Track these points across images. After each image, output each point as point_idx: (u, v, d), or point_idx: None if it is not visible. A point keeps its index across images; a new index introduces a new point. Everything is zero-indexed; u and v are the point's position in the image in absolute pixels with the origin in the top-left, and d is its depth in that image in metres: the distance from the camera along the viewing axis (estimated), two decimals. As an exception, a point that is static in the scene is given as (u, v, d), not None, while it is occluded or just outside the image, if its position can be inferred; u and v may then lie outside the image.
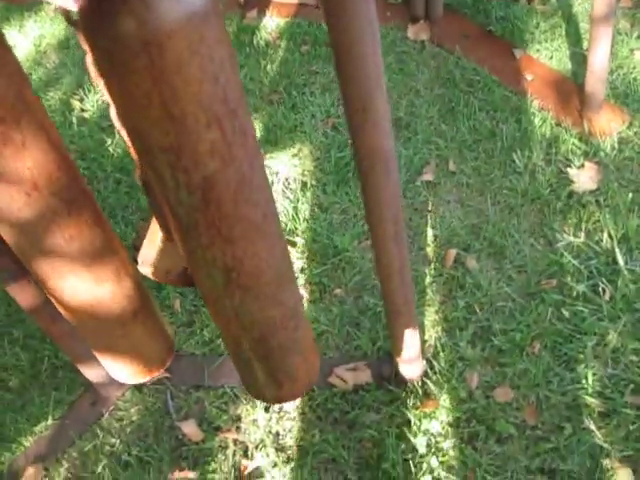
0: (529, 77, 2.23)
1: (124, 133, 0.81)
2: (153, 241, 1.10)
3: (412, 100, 2.26)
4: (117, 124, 0.90)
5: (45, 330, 1.48)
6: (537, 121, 2.06)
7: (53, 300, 1.01)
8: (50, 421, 1.69)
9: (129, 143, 0.85)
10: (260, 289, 0.81)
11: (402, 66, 2.40)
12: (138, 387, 1.70)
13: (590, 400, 1.50)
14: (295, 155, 2.18)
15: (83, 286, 0.95)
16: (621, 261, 1.68)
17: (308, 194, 2.03)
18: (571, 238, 1.76)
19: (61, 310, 1.02)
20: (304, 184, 2.07)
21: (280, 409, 1.61)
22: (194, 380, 1.70)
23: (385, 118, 1.01)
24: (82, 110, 2.52)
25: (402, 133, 2.15)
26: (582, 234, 1.77)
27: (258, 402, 1.62)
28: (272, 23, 2.73)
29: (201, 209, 0.69)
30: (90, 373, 1.64)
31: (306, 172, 2.10)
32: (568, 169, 1.92)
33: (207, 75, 0.61)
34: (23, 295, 1.38)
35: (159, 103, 0.61)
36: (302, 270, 1.86)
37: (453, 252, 1.80)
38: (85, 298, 0.96)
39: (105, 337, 1.08)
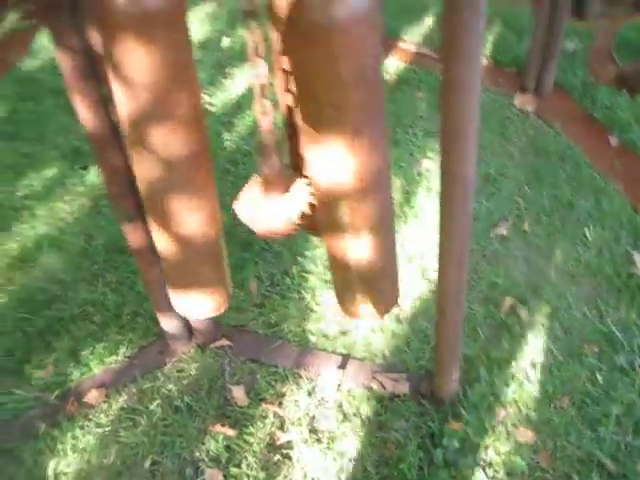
0: (618, 164, 2.37)
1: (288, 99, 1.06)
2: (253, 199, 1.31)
3: (504, 161, 2.43)
4: (281, 97, 1.15)
5: (142, 271, 1.71)
6: (615, 204, 2.20)
7: (161, 236, 1.24)
8: (120, 357, 1.91)
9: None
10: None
11: (503, 130, 2.58)
12: (202, 347, 1.91)
13: (603, 460, 1.61)
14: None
15: (189, 222, 1.19)
16: (662, 345, 1.80)
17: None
18: (622, 314, 1.89)
19: (163, 243, 1.25)
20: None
21: (322, 398, 1.78)
22: (252, 354, 1.89)
23: (473, 152, 1.19)
24: (209, 104, 2.80)
25: (488, 188, 2.32)
26: (633, 313, 1.89)
27: (303, 385, 1.80)
28: (393, 65, 2.96)
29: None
30: (166, 323, 1.85)
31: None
32: (634, 252, 2.04)
33: (370, 52, 0.88)
34: (134, 235, 1.61)
35: (336, 72, 0.90)
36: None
37: (509, 300, 1.95)
38: (186, 232, 1.20)
39: (186, 273, 1.32)
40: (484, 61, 3.03)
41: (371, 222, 1.17)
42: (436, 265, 1.37)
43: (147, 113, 1.05)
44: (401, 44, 3.16)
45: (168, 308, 1.80)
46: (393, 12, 3.30)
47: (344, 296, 1.35)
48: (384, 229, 1.22)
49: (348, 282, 1.30)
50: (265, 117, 1.12)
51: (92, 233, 2.26)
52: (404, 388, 1.79)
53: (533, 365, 1.80)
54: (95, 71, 1.26)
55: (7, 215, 2.36)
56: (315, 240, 2.16)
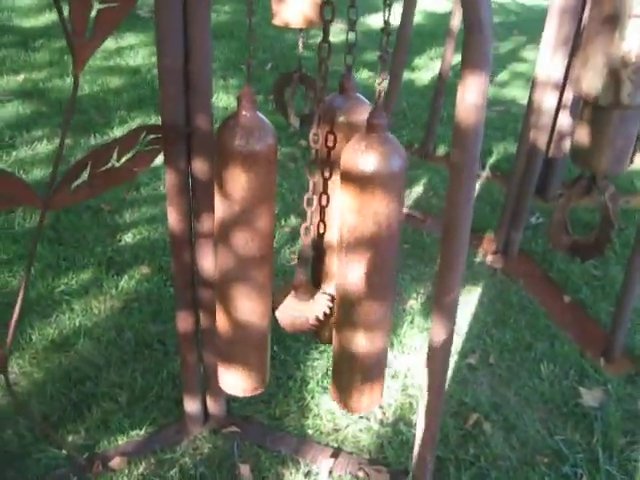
0: (569, 317, 2.85)
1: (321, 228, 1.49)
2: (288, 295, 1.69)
3: (474, 308, 2.89)
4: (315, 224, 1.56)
5: (182, 354, 2.07)
6: (566, 348, 2.65)
7: (224, 318, 1.62)
8: (143, 432, 2.21)
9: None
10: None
11: (474, 281, 3.06)
12: (215, 431, 2.23)
13: None
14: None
15: (248, 311, 1.56)
16: (602, 461, 2.17)
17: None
18: (568, 434, 2.28)
19: (223, 325, 1.62)
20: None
21: (314, 481, 2.10)
22: (258, 440, 2.21)
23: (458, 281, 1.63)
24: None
25: (461, 328, 2.76)
26: (577, 434, 2.28)
27: (300, 468, 2.12)
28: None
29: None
30: (189, 405, 2.18)
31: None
32: (580, 387, 2.46)
33: (397, 198, 1.29)
34: (185, 322, 1.99)
35: (373, 212, 1.29)
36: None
37: (475, 416, 2.33)
38: (244, 319, 1.57)
39: (237, 353, 1.66)
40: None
41: (377, 321, 1.55)
42: (416, 383, 1.77)
43: (235, 220, 1.47)
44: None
45: (196, 391, 2.15)
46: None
47: (342, 389, 1.62)
48: (385, 328, 1.60)
49: (349, 376, 1.64)
50: (307, 237, 1.55)
51: (122, 328, 2.62)
52: (384, 479, 2.12)
53: (493, 467, 2.15)
54: (190, 188, 1.70)
55: (48, 306, 2.72)
56: (315, 353, 2.54)
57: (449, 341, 1.65)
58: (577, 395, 2.45)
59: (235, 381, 1.68)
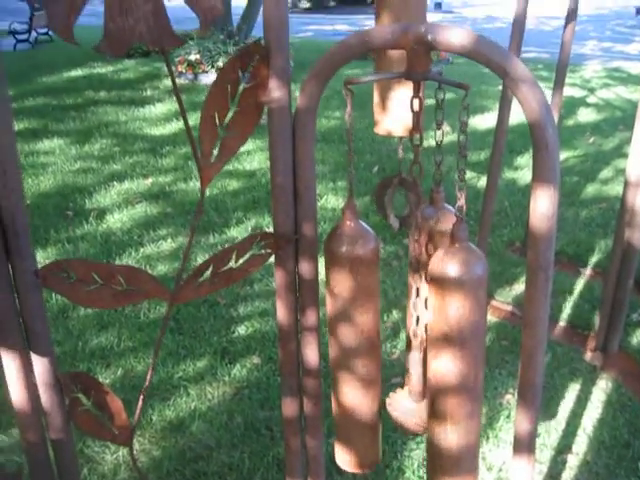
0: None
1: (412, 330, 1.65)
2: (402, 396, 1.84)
3: (573, 405, 2.92)
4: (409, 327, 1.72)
5: (287, 439, 2.24)
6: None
7: (340, 403, 1.79)
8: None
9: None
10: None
11: (573, 377, 3.10)
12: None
13: None
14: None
15: (361, 396, 1.72)
16: None
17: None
18: None
19: (339, 409, 1.78)
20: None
21: None
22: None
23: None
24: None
25: (559, 424, 2.79)
26: None
27: None
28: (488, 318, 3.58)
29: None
30: (292, 486, 2.33)
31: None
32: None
33: (480, 301, 1.44)
34: (290, 407, 2.16)
35: (458, 314, 1.45)
36: None
37: (571, 512, 2.35)
38: (358, 403, 1.73)
39: (352, 433, 1.81)
40: (563, 324, 3.62)
41: (466, 416, 1.67)
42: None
43: (344, 317, 1.65)
44: (494, 302, 3.82)
45: (298, 474, 2.30)
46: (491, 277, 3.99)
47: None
48: (475, 423, 1.73)
49: (441, 469, 1.75)
50: (416, 339, 1.71)
51: (233, 413, 2.83)
52: None
53: None
54: (296, 287, 1.92)
55: (167, 390, 2.98)
56: (412, 444, 2.65)
57: (532, 433, 1.75)
58: (677, 496, 2.44)
59: (348, 458, 1.83)
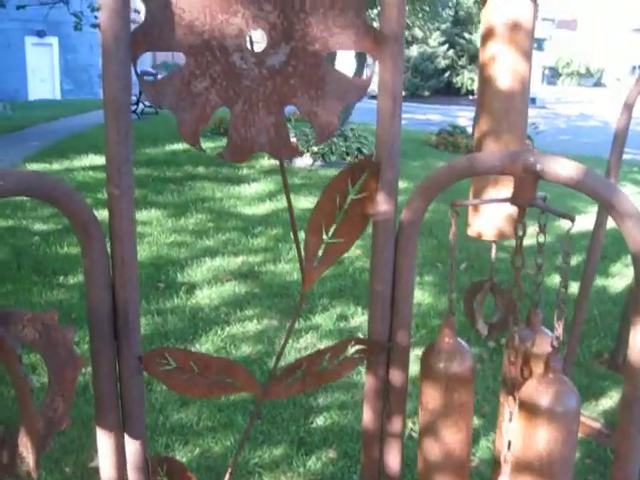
0: None
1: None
2: None
3: None
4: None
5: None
6: None
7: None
8: None
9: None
10: None
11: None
12: None
13: None
14: None
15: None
16: None
17: None
18: None
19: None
20: None
21: None
22: None
23: None
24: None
25: None
26: None
27: None
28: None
29: None
30: None
31: None
32: None
33: (570, 434, 1.42)
34: None
35: (544, 443, 1.43)
36: None
37: None
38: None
39: None
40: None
41: None
42: None
43: (435, 431, 1.63)
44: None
45: None
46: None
47: None
48: None
49: None
50: (506, 465, 1.68)
51: (306, 504, 2.81)
52: None
53: None
54: (385, 392, 1.92)
55: (242, 475, 2.99)
56: None
57: None
58: None
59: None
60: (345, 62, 13.75)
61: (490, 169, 1.43)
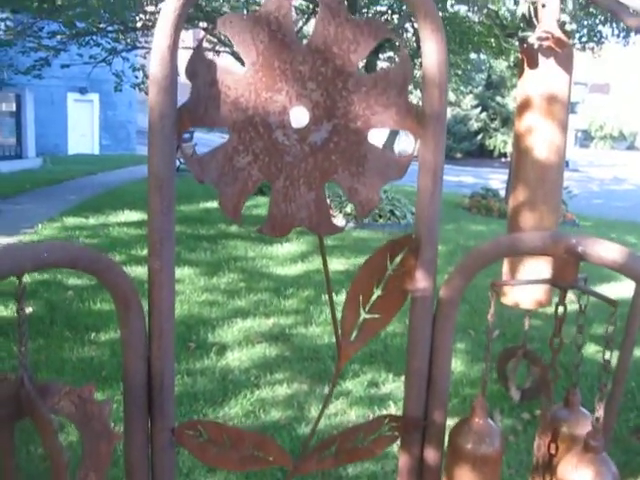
0: None
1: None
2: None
3: None
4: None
5: None
6: None
7: None
8: None
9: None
10: None
11: None
12: None
13: None
14: None
15: None
16: None
17: None
18: None
19: None
20: None
21: None
22: None
23: None
24: None
25: None
26: None
27: None
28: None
29: None
30: None
31: None
32: None
33: None
34: None
35: None
36: None
37: None
38: None
39: None
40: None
41: None
42: None
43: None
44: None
45: None
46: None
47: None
48: None
49: None
50: None
51: None
52: None
53: None
54: (416, 468, 1.88)
55: None
56: None
57: None
58: None
59: None
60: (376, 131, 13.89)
61: (532, 250, 1.42)
